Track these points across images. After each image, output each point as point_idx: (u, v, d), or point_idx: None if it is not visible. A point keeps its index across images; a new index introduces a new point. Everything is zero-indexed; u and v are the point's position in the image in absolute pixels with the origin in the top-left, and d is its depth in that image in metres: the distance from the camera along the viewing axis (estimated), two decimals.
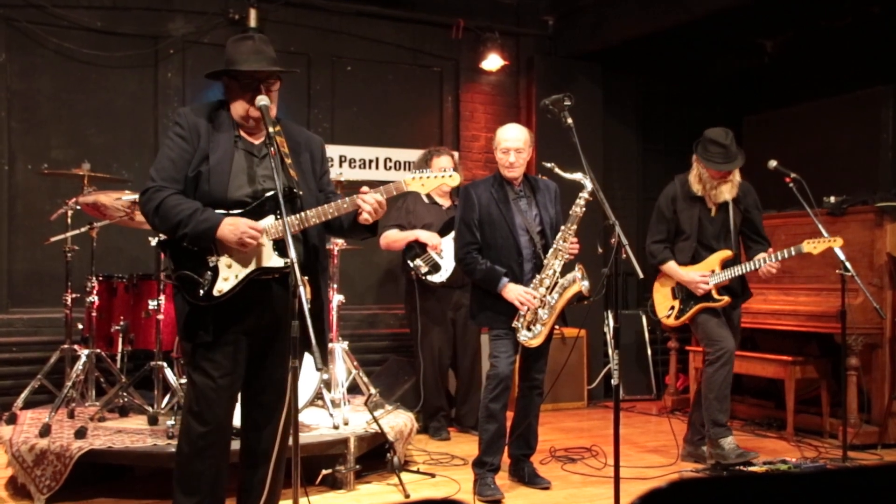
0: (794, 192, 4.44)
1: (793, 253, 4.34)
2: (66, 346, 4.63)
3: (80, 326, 4.68)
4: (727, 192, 4.41)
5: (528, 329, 3.90)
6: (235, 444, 3.03)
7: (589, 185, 3.82)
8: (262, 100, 2.76)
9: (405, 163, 6.45)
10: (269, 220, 2.81)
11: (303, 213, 2.80)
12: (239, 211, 2.80)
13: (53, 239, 4.68)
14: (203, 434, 2.85)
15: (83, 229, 4.58)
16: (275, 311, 2.87)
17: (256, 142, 2.90)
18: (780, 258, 4.34)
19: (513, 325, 3.90)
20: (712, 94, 7.53)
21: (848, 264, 4.33)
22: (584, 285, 3.90)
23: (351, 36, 6.31)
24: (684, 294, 4.51)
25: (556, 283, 3.92)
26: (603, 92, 6.98)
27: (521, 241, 3.97)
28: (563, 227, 3.93)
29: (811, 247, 4.30)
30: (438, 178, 2.89)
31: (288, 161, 2.82)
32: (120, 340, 4.50)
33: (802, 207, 4.44)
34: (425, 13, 6.48)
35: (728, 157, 4.32)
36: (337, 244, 4.84)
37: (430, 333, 5.25)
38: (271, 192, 2.79)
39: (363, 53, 6.36)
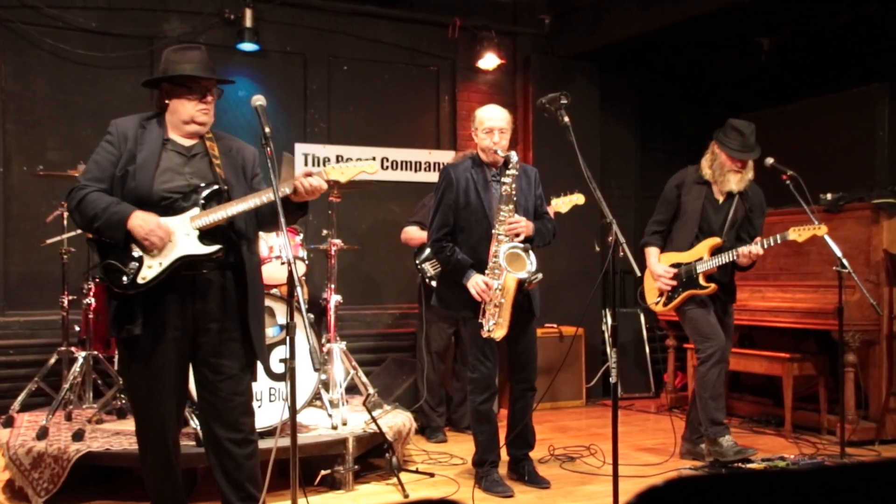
0: (790, 190, 4.46)
1: (778, 240, 4.34)
2: (62, 348, 4.62)
3: (77, 328, 4.68)
4: (734, 183, 4.42)
5: (489, 321, 3.83)
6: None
7: (515, 157, 3.81)
8: (258, 100, 2.84)
9: (402, 162, 6.44)
10: (194, 212, 2.90)
11: (227, 205, 2.90)
12: (168, 200, 2.89)
13: (49, 241, 4.68)
14: (142, 429, 2.95)
15: (79, 231, 4.57)
16: (209, 303, 2.91)
17: (187, 143, 3.02)
18: (765, 245, 4.35)
19: (479, 320, 3.85)
20: (709, 92, 7.52)
21: (845, 261, 4.35)
22: (512, 272, 3.73)
23: (347, 35, 6.30)
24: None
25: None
26: (600, 91, 6.97)
27: (495, 225, 3.90)
28: (498, 208, 3.83)
29: (796, 234, 4.33)
30: (357, 167, 2.93)
31: (217, 161, 2.98)
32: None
33: (799, 205, 4.45)
34: (422, 12, 6.47)
35: (745, 147, 4.38)
36: (335, 244, 4.83)
37: (434, 334, 5.24)
38: (199, 185, 2.92)
39: (360, 53, 6.35)
